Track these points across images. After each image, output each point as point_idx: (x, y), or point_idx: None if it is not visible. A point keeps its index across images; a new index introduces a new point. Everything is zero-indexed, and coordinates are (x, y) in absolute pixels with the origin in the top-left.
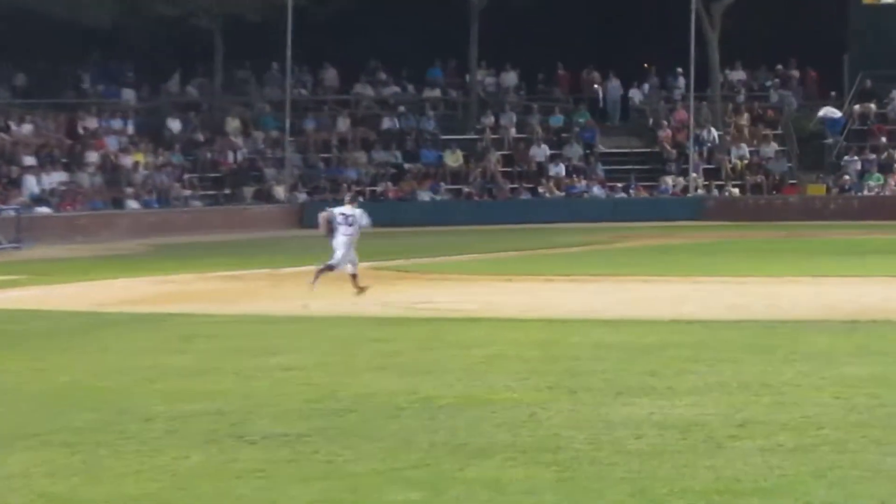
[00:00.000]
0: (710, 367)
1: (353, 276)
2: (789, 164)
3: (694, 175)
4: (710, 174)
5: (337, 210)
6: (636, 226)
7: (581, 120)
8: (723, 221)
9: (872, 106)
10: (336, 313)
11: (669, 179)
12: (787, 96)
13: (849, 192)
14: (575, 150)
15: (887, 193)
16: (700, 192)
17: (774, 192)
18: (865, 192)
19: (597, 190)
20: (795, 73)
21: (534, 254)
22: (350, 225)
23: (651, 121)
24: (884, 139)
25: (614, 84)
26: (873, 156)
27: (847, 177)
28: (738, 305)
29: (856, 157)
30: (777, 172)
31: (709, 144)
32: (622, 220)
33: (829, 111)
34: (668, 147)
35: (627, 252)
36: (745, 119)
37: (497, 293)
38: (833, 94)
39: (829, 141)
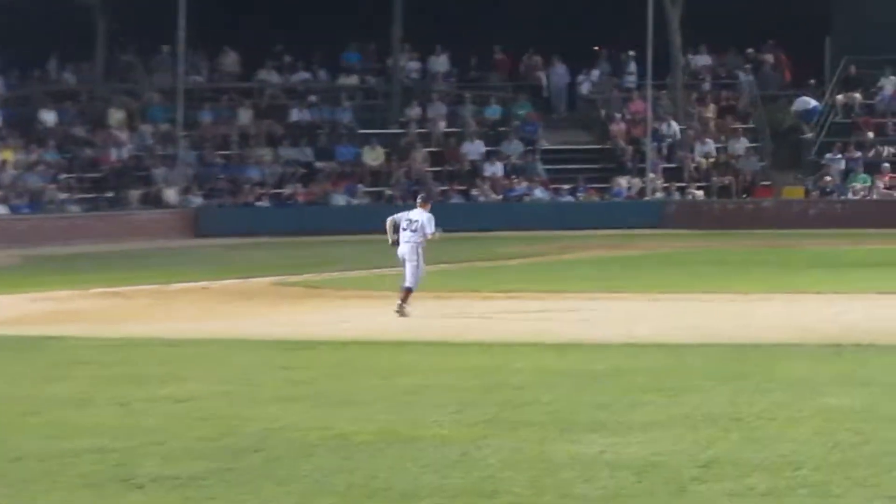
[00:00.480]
0: (671, 398)
1: (407, 291)
2: (762, 163)
3: (652, 175)
4: (671, 174)
5: (404, 214)
6: (585, 234)
7: (521, 112)
8: (685, 229)
9: (857, 96)
10: (237, 335)
11: (624, 181)
12: (748, 82)
13: (831, 196)
14: (514, 147)
15: (875, 197)
16: (659, 195)
17: (745, 195)
18: (850, 196)
19: (539, 193)
20: (769, 58)
21: (467, 267)
22: (414, 231)
23: (602, 113)
24: (871, 134)
25: (560, 70)
26: (859, 153)
27: (829, 178)
28: (704, 326)
29: (839, 155)
30: (748, 172)
31: (669, 140)
32: (569, 228)
33: (804, 101)
34: (622, 143)
35: (575, 265)
36: (710, 111)
37: (424, 312)
38: (813, 82)
39: (809, 136)
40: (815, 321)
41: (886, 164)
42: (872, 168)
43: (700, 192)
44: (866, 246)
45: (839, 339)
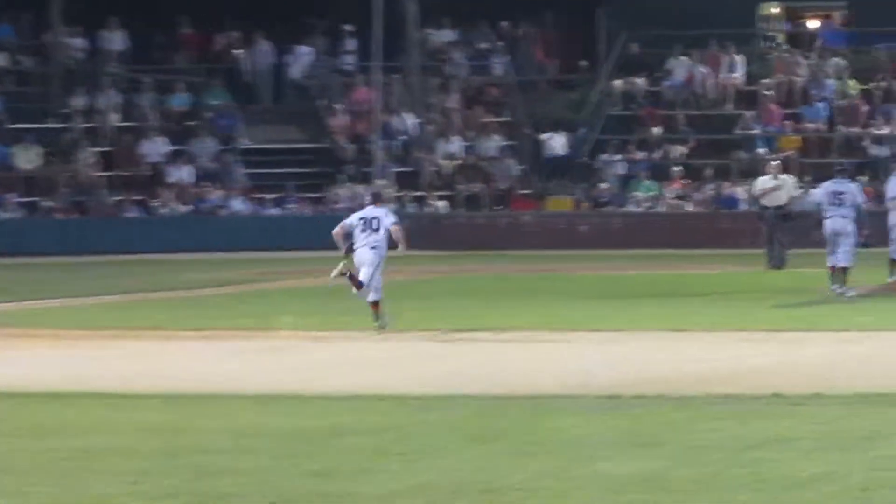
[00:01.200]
0: (407, 464)
1: (375, 304)
2: (521, 167)
3: (381, 182)
4: (406, 181)
5: (355, 216)
6: (296, 256)
7: (215, 102)
8: (423, 250)
9: (640, 81)
10: None
11: (344, 189)
12: (502, 64)
13: (607, 208)
14: (206, 146)
15: (663, 210)
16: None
17: (500, 207)
18: (631, 208)
19: (239, 204)
20: (529, 34)
21: (146, 298)
22: (375, 230)
23: (319, 103)
24: (658, 130)
25: (263, 48)
26: (642, 154)
27: (604, 185)
28: (450, 373)
29: (617, 157)
30: (503, 178)
31: (403, 137)
32: (275, 249)
33: (552, 140)
34: (343, 141)
35: (281, 296)
36: (456, 101)
37: (94, 356)
38: (585, 63)
39: (581, 132)
40: (588, 366)
41: (677, 168)
42: (659, 173)
43: (443, 203)
44: (652, 270)
45: (619, 388)
